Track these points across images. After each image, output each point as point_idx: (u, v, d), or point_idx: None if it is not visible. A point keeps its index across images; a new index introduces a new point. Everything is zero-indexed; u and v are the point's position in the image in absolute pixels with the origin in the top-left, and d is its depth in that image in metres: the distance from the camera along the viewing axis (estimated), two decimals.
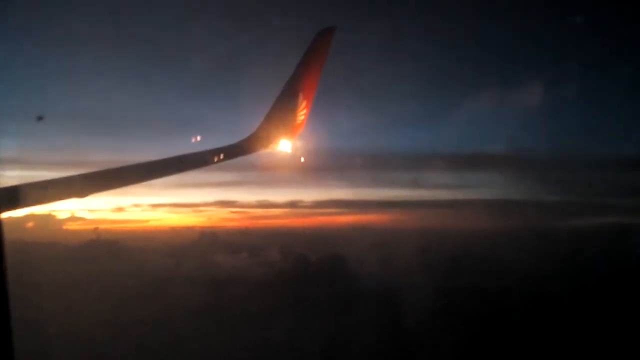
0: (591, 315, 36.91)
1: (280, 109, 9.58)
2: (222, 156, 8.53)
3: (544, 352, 33.55)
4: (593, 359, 32.53)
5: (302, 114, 9.77)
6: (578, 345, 33.19)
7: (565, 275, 47.47)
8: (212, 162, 8.43)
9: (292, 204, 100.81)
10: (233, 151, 8.97)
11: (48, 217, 52.09)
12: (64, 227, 62.17)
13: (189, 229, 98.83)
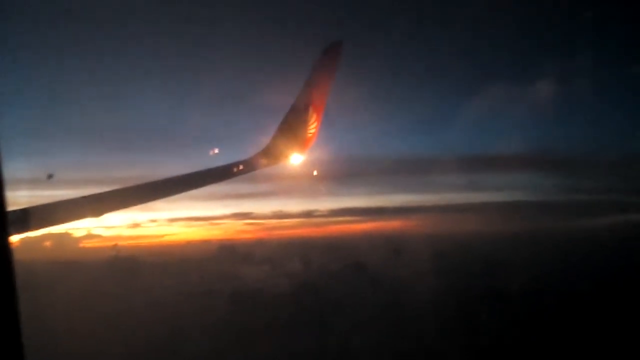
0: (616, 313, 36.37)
1: (290, 123, 9.45)
2: (233, 172, 8.58)
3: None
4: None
5: (312, 127, 9.60)
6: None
7: (586, 274, 46.80)
8: (225, 179, 8.49)
9: (308, 214, 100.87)
10: (244, 167, 8.99)
11: (64, 236, 52.63)
12: (81, 245, 62.68)
13: (205, 243, 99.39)
